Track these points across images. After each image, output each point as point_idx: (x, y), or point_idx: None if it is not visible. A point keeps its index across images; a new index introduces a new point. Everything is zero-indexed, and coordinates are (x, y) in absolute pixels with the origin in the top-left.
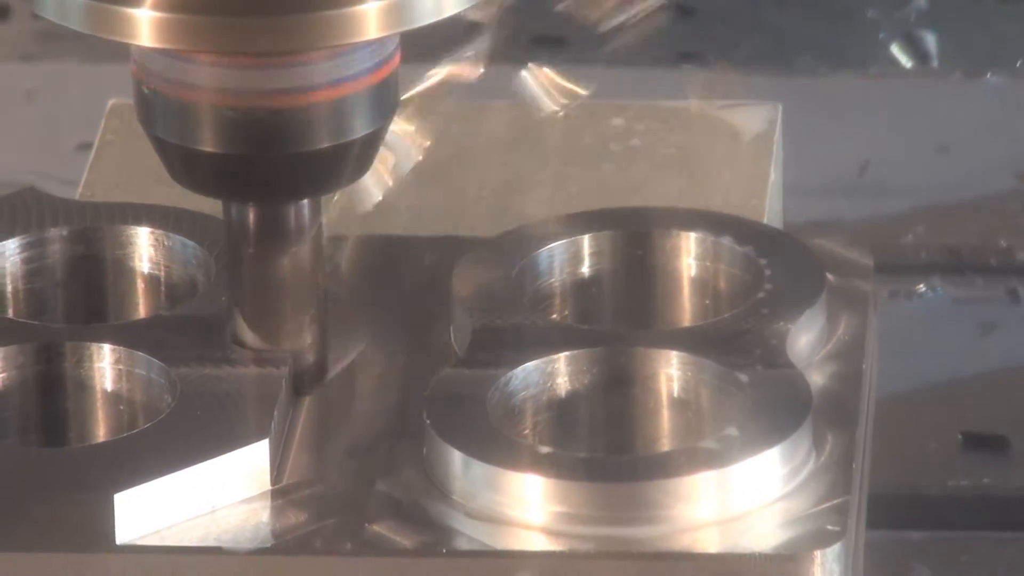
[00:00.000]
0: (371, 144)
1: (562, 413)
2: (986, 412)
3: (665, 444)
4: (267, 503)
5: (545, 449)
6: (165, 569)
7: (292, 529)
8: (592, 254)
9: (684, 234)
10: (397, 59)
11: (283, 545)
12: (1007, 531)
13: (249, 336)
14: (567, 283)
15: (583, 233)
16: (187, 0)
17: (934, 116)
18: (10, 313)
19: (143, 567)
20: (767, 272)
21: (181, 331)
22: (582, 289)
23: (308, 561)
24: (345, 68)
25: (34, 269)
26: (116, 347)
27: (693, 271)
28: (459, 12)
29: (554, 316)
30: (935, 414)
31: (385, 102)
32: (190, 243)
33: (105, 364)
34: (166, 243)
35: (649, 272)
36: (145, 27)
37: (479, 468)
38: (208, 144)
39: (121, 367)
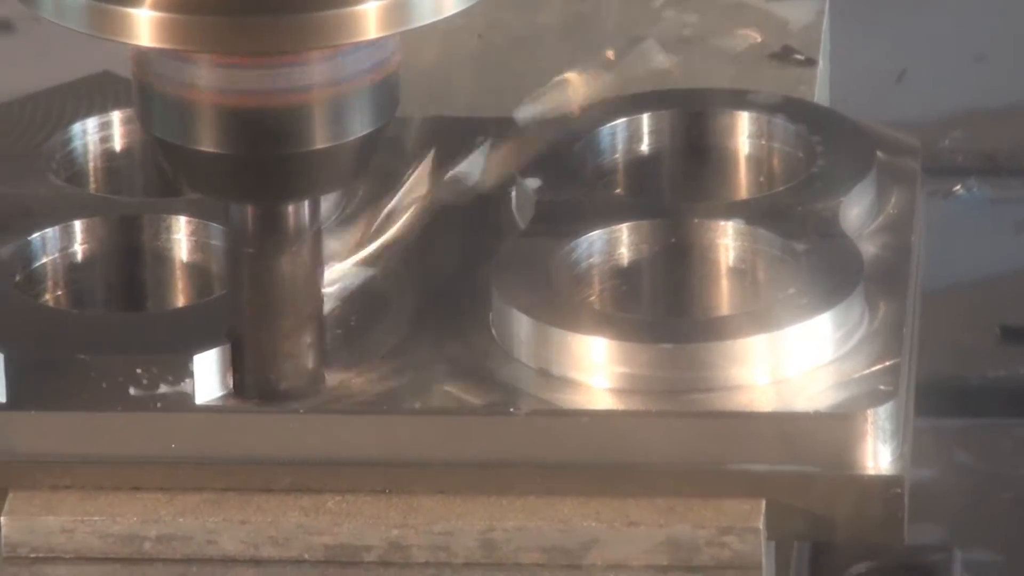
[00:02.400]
0: (371, 144)
1: (624, 281)
2: (1022, 306)
3: (723, 310)
4: (339, 365)
5: (608, 312)
6: (242, 428)
7: (364, 388)
8: (651, 132)
9: (738, 113)
10: (397, 58)
11: (355, 405)
12: None
13: (248, 335)
14: (626, 160)
15: (643, 112)
16: (187, 0)
17: (971, 25)
18: (91, 188)
19: (222, 426)
20: (819, 148)
21: None
22: (641, 166)
23: (378, 420)
24: (345, 68)
25: (112, 147)
26: (192, 219)
27: (747, 149)
28: (458, 11)
29: (615, 190)
30: (974, 309)
31: (385, 101)
32: None
33: (181, 235)
34: None
35: (705, 150)
36: (145, 27)
37: (544, 330)
38: (208, 144)
39: (196, 238)
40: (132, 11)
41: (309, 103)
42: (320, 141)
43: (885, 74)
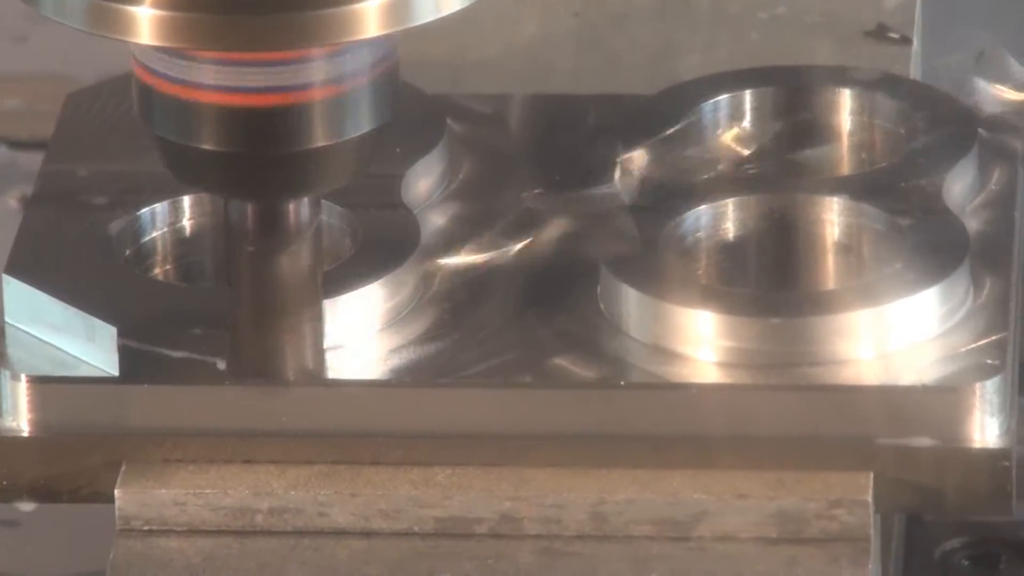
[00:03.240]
0: (371, 142)
1: (731, 255)
2: None
3: (829, 285)
4: (449, 339)
5: (715, 286)
6: (353, 400)
7: (474, 362)
8: (753, 108)
9: (840, 90)
10: (397, 57)
11: (465, 379)
12: None
13: (248, 333)
14: (729, 134)
15: (745, 88)
16: None
17: None
18: None
19: (332, 399)
20: (920, 125)
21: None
22: (743, 142)
23: (488, 393)
24: (345, 66)
25: None
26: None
27: (849, 125)
28: (458, 11)
29: (718, 166)
30: None
31: (385, 99)
32: None
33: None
34: None
35: (807, 126)
36: (146, 26)
37: (652, 304)
38: (208, 142)
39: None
40: (132, 9)
41: (309, 101)
42: (320, 139)
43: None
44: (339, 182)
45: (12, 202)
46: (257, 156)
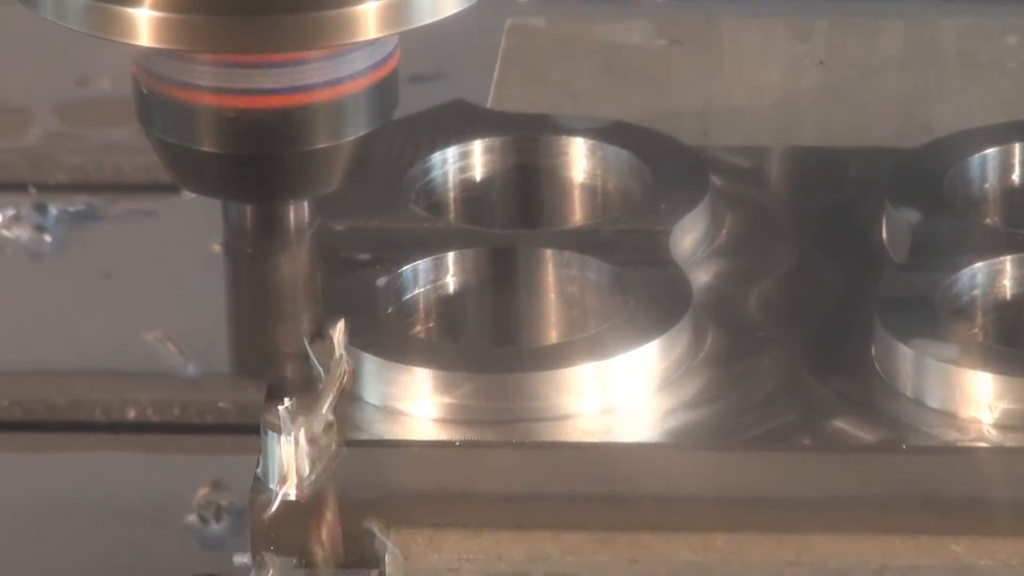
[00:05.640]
0: (371, 143)
1: (1007, 313)
2: None
3: None
4: (721, 401)
5: (993, 346)
6: (628, 463)
7: (752, 425)
8: (1023, 162)
9: None
10: (396, 58)
11: (741, 442)
12: None
13: (247, 334)
14: (997, 189)
15: (1014, 141)
16: (187, 0)
17: None
18: (450, 218)
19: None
20: None
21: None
22: (1012, 195)
23: (770, 456)
24: (344, 68)
25: (471, 177)
26: (562, 251)
27: None
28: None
29: (986, 221)
30: None
31: (384, 101)
32: (625, 152)
33: (552, 267)
34: (600, 153)
35: None
36: (145, 27)
37: (932, 365)
38: (207, 144)
39: (569, 271)
40: (132, 11)
41: (308, 103)
42: (319, 141)
43: None
44: (338, 183)
45: (215, 247)
46: (256, 158)
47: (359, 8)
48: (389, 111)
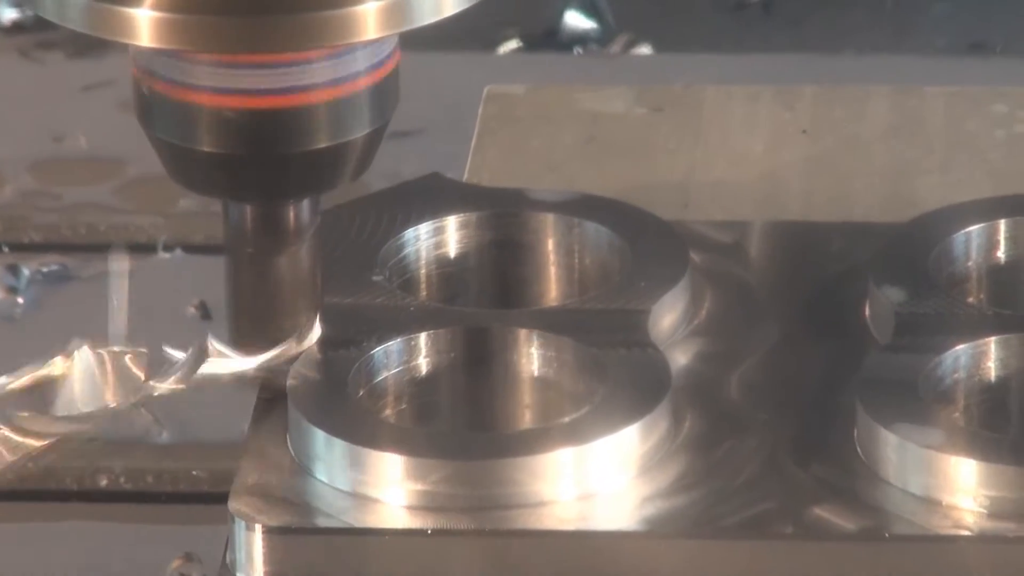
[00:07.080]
0: (371, 143)
1: (991, 396)
2: None
3: None
4: (700, 488)
5: (977, 431)
6: (619, 553)
7: (731, 512)
8: (1008, 239)
9: None
10: (396, 58)
11: (724, 529)
12: None
13: (247, 334)
14: (982, 267)
15: (999, 218)
16: (187, 0)
17: None
18: (423, 295)
19: (604, 551)
20: None
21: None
22: (998, 273)
23: (749, 545)
24: (344, 68)
25: (445, 253)
26: (543, 332)
27: None
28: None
29: (970, 300)
30: None
31: (385, 101)
32: (603, 229)
33: (531, 349)
34: (577, 229)
35: None
36: (145, 27)
37: (914, 451)
38: (207, 144)
39: (546, 352)
40: (132, 11)
41: (308, 103)
42: (319, 141)
43: None
44: (338, 184)
45: (191, 309)
46: (256, 158)
47: (359, 8)
48: (389, 111)
